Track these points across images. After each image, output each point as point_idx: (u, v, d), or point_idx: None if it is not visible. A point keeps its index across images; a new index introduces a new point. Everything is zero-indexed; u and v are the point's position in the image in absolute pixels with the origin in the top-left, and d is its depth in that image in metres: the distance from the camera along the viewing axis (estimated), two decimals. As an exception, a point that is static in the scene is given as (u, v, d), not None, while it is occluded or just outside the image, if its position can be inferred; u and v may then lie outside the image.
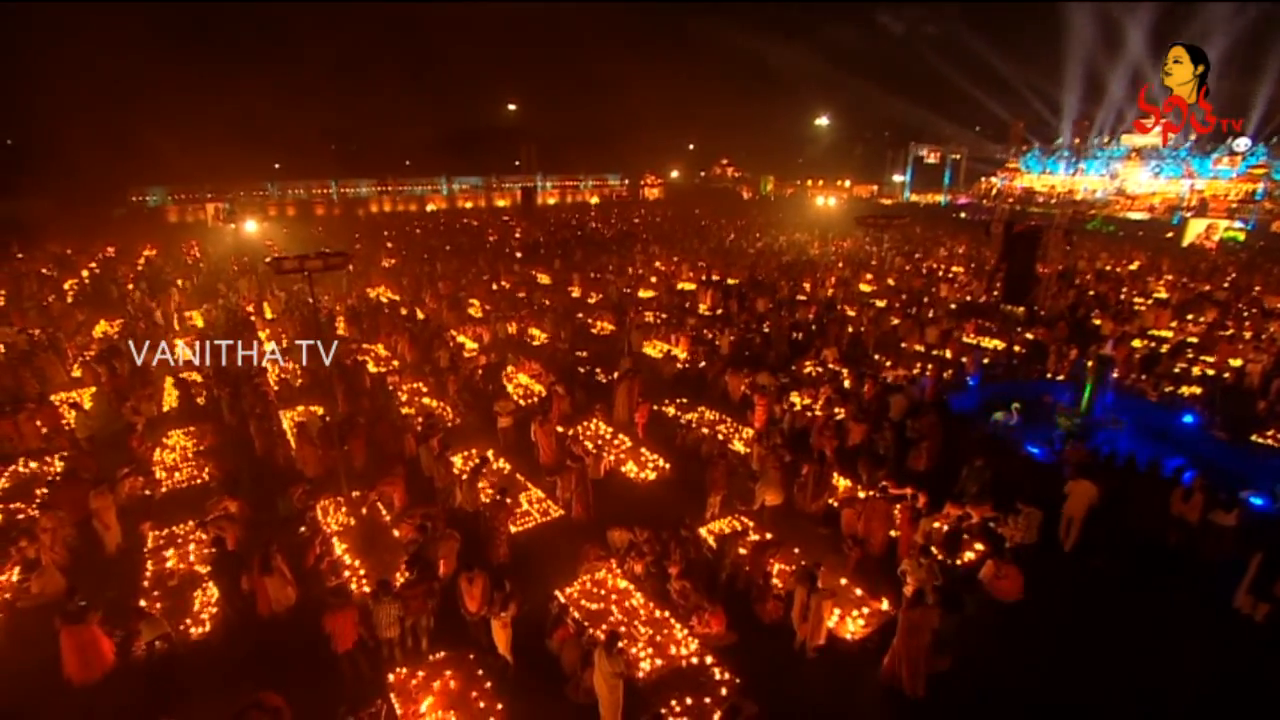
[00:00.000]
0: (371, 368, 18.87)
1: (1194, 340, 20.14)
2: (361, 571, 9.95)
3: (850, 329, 21.02)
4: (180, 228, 57.88)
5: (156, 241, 45.30)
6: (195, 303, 26.88)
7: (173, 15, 76.02)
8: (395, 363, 19.72)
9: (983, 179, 70.42)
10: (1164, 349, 19.19)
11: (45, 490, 11.83)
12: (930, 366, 17.15)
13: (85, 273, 34.32)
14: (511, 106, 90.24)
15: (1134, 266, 34.24)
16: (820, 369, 17.94)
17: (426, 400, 16.72)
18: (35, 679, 8.01)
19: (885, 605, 9.03)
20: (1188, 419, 14.56)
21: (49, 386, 17.22)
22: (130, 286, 28.77)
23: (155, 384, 17.32)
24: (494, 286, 29.91)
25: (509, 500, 10.86)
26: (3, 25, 61.42)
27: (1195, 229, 45.36)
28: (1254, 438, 13.71)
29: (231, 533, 9.91)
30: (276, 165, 73.19)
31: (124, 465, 12.22)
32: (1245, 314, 22.75)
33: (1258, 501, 10.84)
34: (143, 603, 9.02)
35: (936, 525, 10.31)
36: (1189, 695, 7.63)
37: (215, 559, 9.38)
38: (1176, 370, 17.40)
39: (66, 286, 30.16)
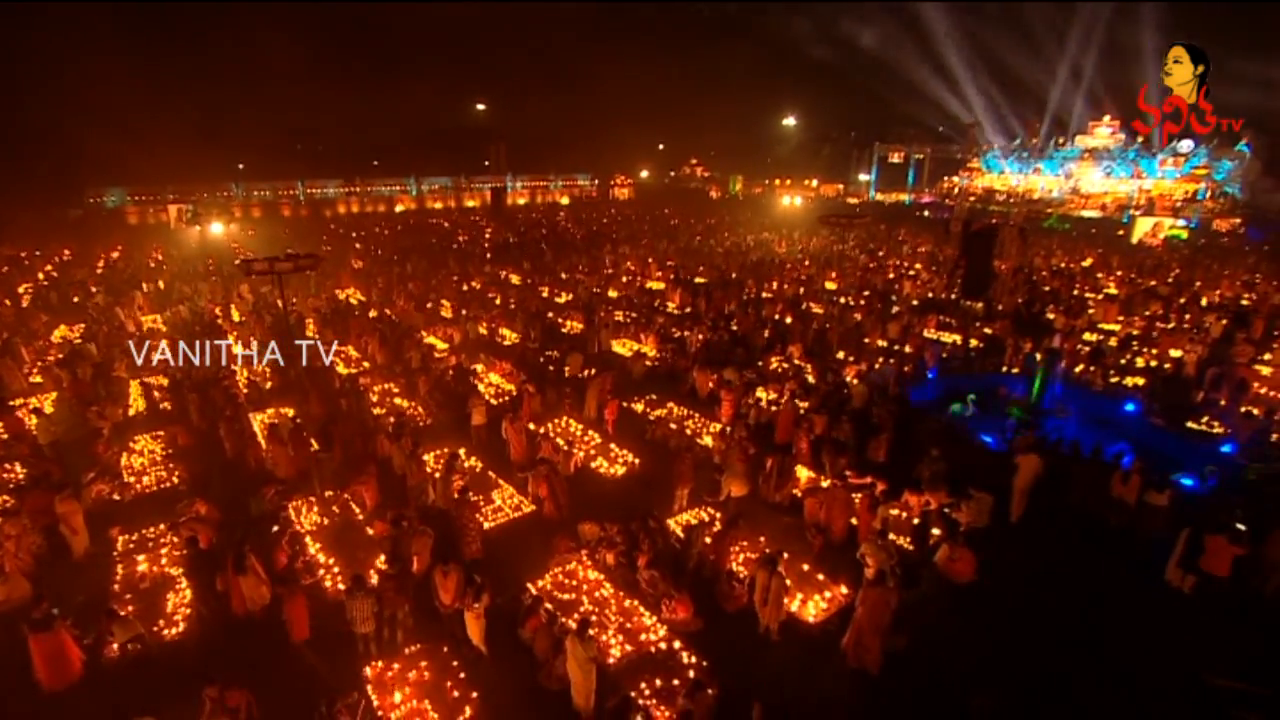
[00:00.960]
0: (341, 369, 18.83)
1: (1137, 333, 21.13)
2: (336, 569, 10.08)
3: (815, 325, 21.59)
4: (141, 230, 56.14)
5: (116, 244, 44.05)
6: (159, 306, 26.36)
7: (133, 11, 74.01)
8: (365, 364, 19.70)
9: (945, 178, 72.06)
10: (1112, 342, 20.11)
11: (7, 497, 11.67)
12: (892, 360, 17.74)
13: (41, 275, 33.38)
14: (481, 106, 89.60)
15: (1087, 263, 35.53)
16: (786, 364, 18.44)
17: (398, 400, 16.78)
18: (5, 684, 7.99)
19: (844, 590, 9.46)
20: (1129, 407, 15.37)
21: (5, 392, 16.84)
22: (84, 290, 28.08)
23: (120, 388, 17.07)
24: (464, 287, 29.92)
25: (473, 497, 11.14)
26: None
27: (1143, 227, 47.18)
28: (1189, 424, 14.55)
29: (204, 533, 9.96)
30: (241, 165, 71.61)
31: (90, 470, 12.12)
32: (1186, 307, 23.87)
33: (1188, 482, 11.57)
34: (114, 607, 9.02)
35: (895, 513, 10.81)
36: (1127, 664, 8.19)
37: (189, 559, 9.42)
38: (1123, 361, 18.29)
39: (21, 290, 29.30)
